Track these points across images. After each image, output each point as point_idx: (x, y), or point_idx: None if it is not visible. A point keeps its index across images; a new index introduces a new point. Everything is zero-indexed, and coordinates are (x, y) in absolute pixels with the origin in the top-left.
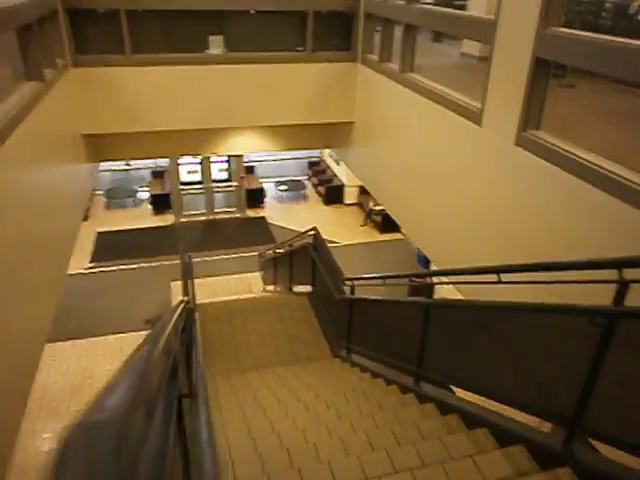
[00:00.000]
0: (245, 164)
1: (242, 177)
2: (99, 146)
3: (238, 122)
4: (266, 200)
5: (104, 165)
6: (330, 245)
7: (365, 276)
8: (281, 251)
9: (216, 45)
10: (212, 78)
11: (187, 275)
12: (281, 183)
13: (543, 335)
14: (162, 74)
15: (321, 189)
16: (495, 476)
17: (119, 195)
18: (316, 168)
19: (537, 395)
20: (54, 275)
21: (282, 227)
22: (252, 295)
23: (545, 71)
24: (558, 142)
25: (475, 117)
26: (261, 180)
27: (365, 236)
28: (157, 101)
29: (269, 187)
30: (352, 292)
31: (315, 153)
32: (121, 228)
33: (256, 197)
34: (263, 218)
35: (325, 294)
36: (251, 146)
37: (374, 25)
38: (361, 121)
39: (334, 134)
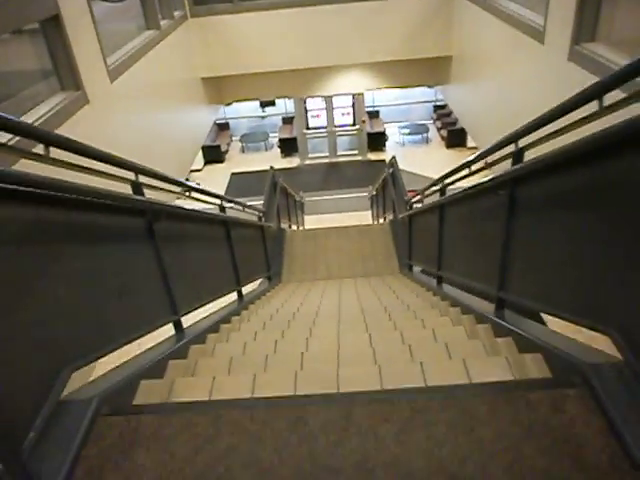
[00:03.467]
0: (369, 109)
1: (363, 121)
2: (218, 89)
3: (340, 60)
4: (388, 143)
5: (241, 112)
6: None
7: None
8: (377, 185)
9: None
10: (314, 19)
11: (271, 194)
12: (404, 127)
13: (478, 217)
14: (267, 18)
15: (444, 132)
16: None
17: (253, 140)
18: (441, 112)
19: (479, 277)
20: None
21: (401, 169)
22: (344, 224)
23: None
24: (613, 55)
25: (539, 35)
26: (385, 124)
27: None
28: (264, 44)
29: (393, 131)
30: (410, 208)
31: (442, 97)
32: (252, 169)
33: (378, 140)
34: (383, 161)
35: (399, 218)
36: (356, 85)
37: None
38: (458, 55)
39: (435, 70)
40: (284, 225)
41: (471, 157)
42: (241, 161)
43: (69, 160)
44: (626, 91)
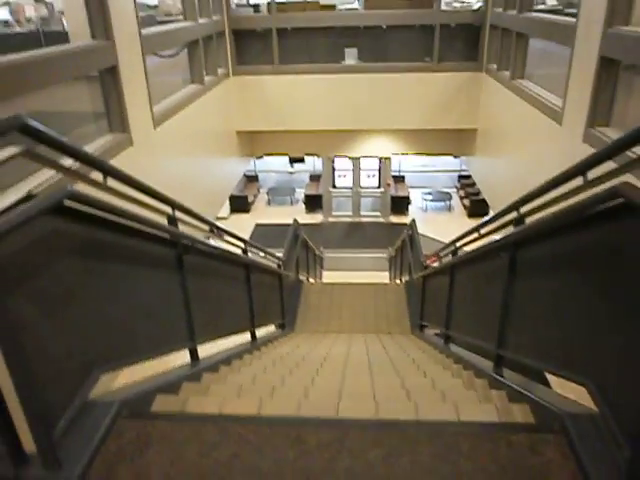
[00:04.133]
0: (395, 173)
1: (388, 184)
2: (251, 142)
3: (369, 125)
4: (411, 208)
5: (271, 167)
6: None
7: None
8: (396, 247)
9: (351, 56)
10: (347, 85)
11: (292, 246)
12: (427, 193)
13: (482, 278)
14: (304, 82)
15: (466, 201)
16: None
17: (279, 193)
18: (465, 181)
19: (481, 335)
20: None
21: (422, 235)
22: (358, 281)
23: (611, 68)
24: None
25: (557, 116)
26: (410, 189)
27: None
28: (299, 105)
29: (417, 197)
30: (425, 268)
31: (466, 167)
32: (276, 222)
33: (401, 204)
34: (405, 224)
35: (414, 279)
36: (383, 149)
37: (497, 36)
38: (483, 129)
39: (461, 141)
40: (302, 277)
41: (481, 221)
42: (266, 213)
43: (118, 189)
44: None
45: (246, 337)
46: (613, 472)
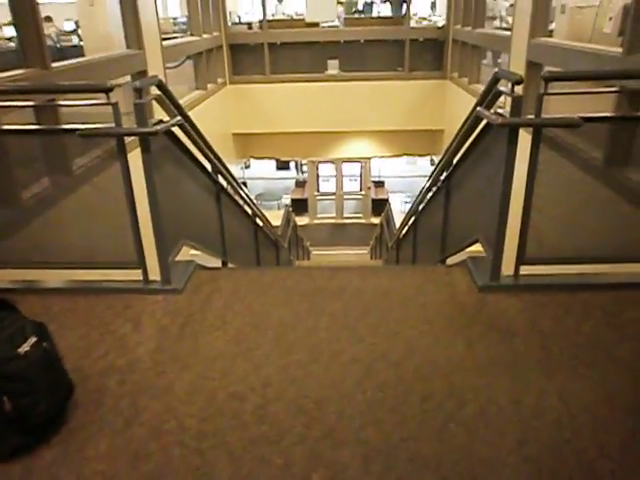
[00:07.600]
0: (376, 178)
1: (369, 188)
2: (245, 144)
3: (350, 127)
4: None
5: (258, 174)
6: None
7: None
8: (375, 234)
9: (333, 67)
10: (330, 92)
11: (285, 225)
12: (407, 197)
13: (429, 212)
14: (292, 89)
15: None
16: None
17: (267, 199)
18: None
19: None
20: None
21: None
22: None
23: (534, 70)
24: None
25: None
26: (390, 193)
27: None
28: (287, 109)
29: (396, 200)
30: (398, 238)
31: None
32: None
33: (381, 206)
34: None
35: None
36: (362, 150)
37: (457, 48)
38: (448, 129)
39: (431, 142)
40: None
41: (426, 183)
42: None
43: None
44: None
45: None
46: (478, 276)
